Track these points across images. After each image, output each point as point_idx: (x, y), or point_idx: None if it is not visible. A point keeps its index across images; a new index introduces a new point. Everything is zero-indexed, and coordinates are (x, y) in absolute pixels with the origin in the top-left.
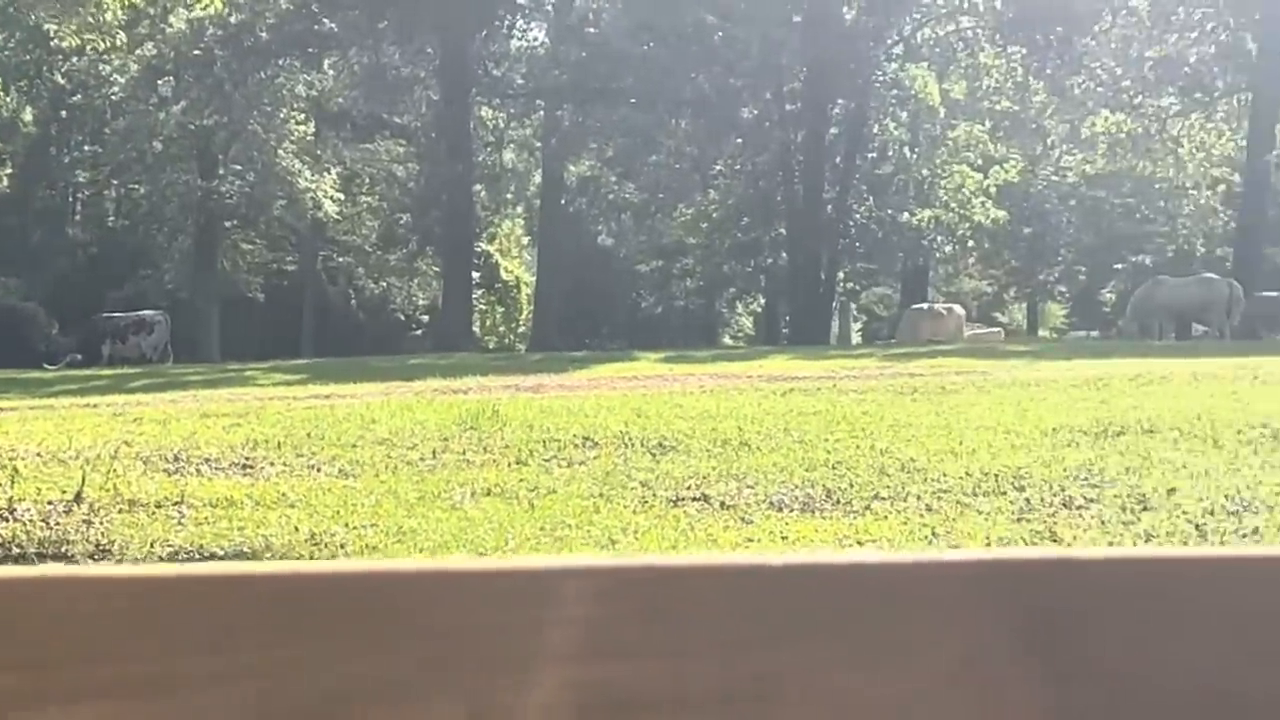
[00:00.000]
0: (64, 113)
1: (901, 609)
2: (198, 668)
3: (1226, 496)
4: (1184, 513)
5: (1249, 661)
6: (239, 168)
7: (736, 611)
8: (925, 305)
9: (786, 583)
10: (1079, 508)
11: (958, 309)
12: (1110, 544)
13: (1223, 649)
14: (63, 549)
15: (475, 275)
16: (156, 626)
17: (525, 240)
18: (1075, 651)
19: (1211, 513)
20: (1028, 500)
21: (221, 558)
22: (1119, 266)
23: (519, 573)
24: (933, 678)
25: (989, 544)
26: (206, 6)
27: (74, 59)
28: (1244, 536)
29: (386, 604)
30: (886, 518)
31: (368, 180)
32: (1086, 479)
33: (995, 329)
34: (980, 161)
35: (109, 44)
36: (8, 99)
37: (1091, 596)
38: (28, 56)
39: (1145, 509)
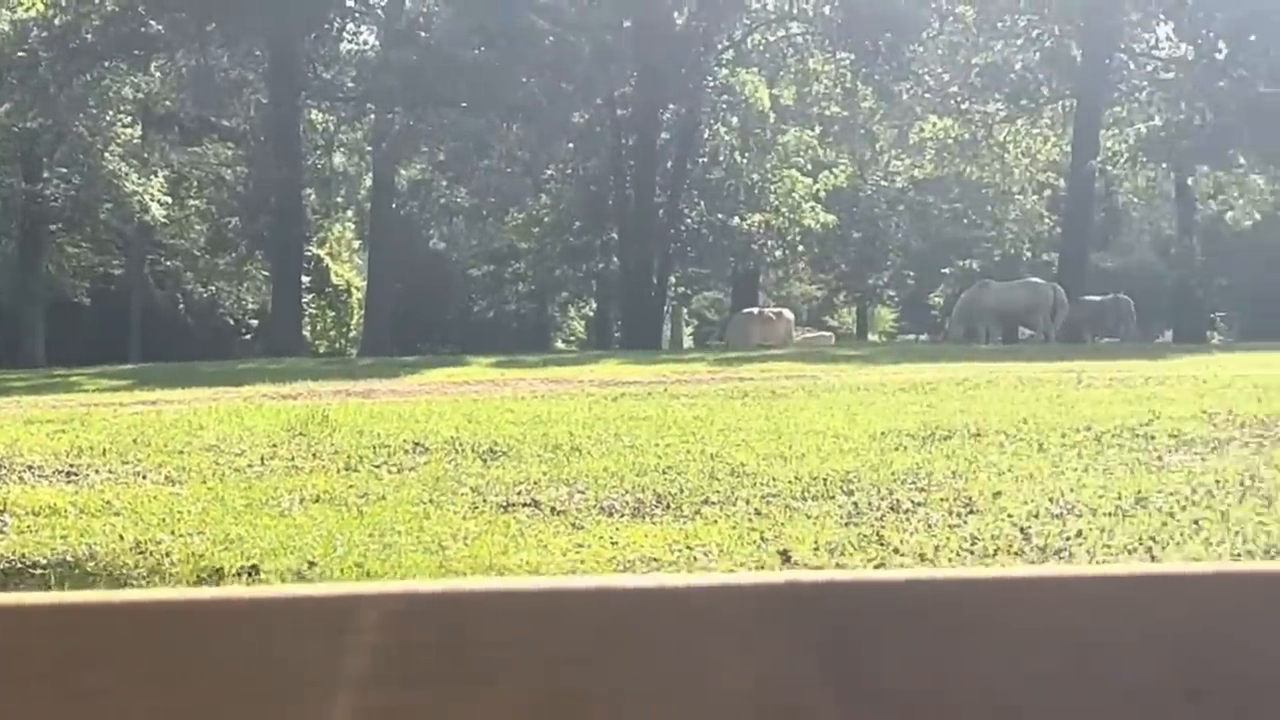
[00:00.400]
0: None
1: (700, 631)
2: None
3: (1051, 499)
4: (1009, 516)
5: (1032, 679)
6: (64, 170)
7: (536, 635)
8: (755, 310)
9: (587, 606)
10: (906, 511)
11: (787, 313)
12: (937, 548)
13: (1008, 667)
14: None
15: (305, 279)
16: None
17: (356, 244)
18: (869, 672)
19: (1036, 515)
20: (856, 504)
21: (45, 567)
22: (947, 271)
23: (316, 600)
24: (731, 699)
25: (817, 548)
26: (29, 8)
27: None
28: (1067, 539)
29: (183, 633)
30: (716, 522)
31: (196, 183)
32: (914, 483)
33: (825, 333)
34: (810, 166)
35: None
36: None
37: (884, 617)
38: None
39: (971, 512)
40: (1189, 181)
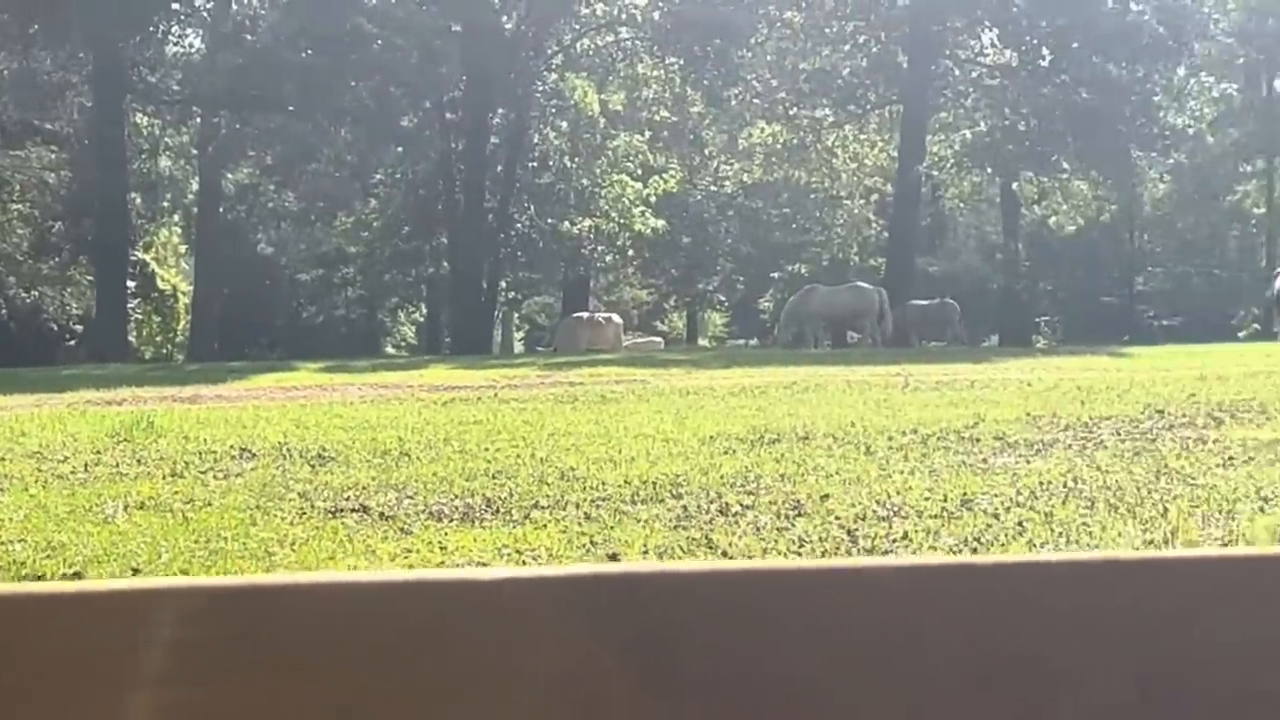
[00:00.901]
0: None
1: (507, 625)
2: None
3: (878, 502)
4: (836, 518)
5: (838, 668)
6: None
7: (337, 630)
8: (583, 314)
9: (390, 600)
10: (735, 514)
11: (616, 318)
12: (765, 550)
13: (810, 655)
14: None
15: (131, 284)
16: None
17: (183, 249)
18: (673, 664)
19: (863, 518)
20: (685, 508)
21: None
22: (776, 275)
23: (114, 595)
24: (537, 692)
25: (646, 552)
26: None
27: None
28: (894, 541)
29: None
30: (546, 526)
31: (18, 188)
32: (743, 486)
33: (654, 338)
34: (640, 171)
35: None
36: None
37: (689, 609)
38: None
39: (800, 515)
40: (1014, 187)
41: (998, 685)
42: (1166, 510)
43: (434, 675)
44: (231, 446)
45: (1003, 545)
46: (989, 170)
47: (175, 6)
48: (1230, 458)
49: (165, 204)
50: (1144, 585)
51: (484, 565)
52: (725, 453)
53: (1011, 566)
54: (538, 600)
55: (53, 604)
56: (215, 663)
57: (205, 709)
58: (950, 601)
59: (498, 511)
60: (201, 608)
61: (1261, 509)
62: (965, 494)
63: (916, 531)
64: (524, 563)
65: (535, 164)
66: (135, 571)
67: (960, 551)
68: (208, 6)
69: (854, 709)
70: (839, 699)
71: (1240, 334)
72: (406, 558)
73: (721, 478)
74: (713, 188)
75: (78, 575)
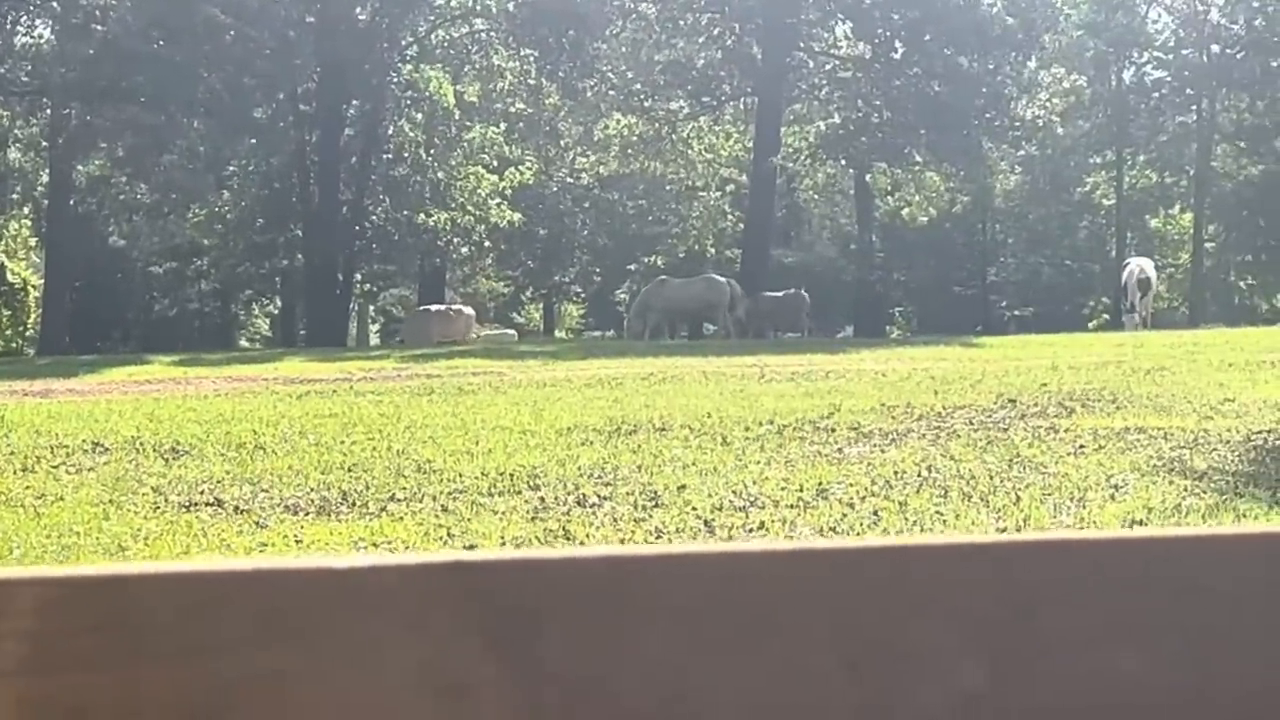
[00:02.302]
0: None
1: (364, 612)
2: None
3: (734, 492)
4: (694, 509)
5: (700, 654)
6: None
7: (193, 619)
8: (432, 307)
9: (246, 588)
10: (593, 505)
11: (466, 309)
12: (622, 540)
13: (672, 640)
14: None
15: None
16: None
17: (33, 241)
18: (535, 651)
19: (720, 508)
20: (542, 499)
21: None
22: (633, 267)
23: None
24: (396, 680)
25: (503, 543)
26: None
27: None
28: (750, 531)
29: None
30: (402, 519)
31: None
32: (600, 477)
33: (507, 330)
34: (496, 163)
35: None
36: None
37: (550, 595)
38: None
39: (657, 505)
40: (867, 179)
41: (861, 667)
42: (1019, 498)
43: (296, 664)
44: (84, 440)
45: (858, 534)
46: (843, 162)
47: None
48: (1081, 446)
49: (15, 196)
50: (999, 568)
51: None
52: (582, 444)
53: (873, 550)
54: (398, 588)
55: None
56: (71, 653)
57: (61, 700)
58: (813, 585)
59: (354, 504)
60: (56, 597)
61: (1112, 497)
62: (821, 483)
63: (773, 521)
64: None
65: (390, 156)
66: None
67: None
68: None
69: (717, 692)
70: (702, 683)
71: (1091, 324)
72: (262, 551)
73: (579, 469)
74: (569, 180)
75: None
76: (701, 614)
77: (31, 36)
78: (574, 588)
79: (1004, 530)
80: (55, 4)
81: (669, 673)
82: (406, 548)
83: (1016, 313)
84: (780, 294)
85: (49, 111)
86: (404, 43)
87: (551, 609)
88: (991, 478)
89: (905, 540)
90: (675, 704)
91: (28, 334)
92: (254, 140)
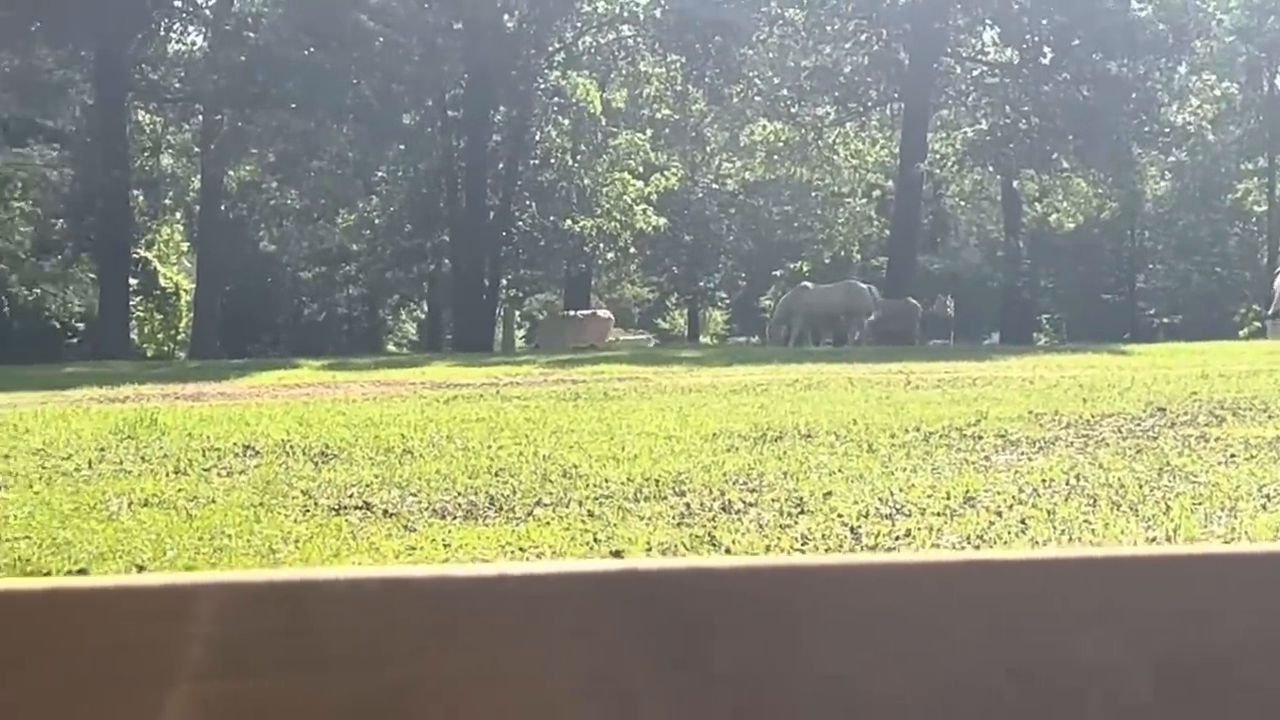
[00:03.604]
0: None
1: (538, 621)
2: None
3: (880, 499)
4: (839, 516)
5: (864, 660)
6: None
7: (374, 625)
8: (568, 312)
9: (422, 595)
10: (738, 512)
11: (602, 313)
12: (768, 548)
13: (840, 650)
14: None
15: (133, 282)
16: None
17: (185, 246)
18: (703, 657)
19: (866, 516)
20: (688, 505)
21: None
22: (778, 273)
23: (157, 590)
24: (566, 686)
25: (650, 549)
26: None
27: None
28: (896, 539)
29: (24, 622)
30: (549, 524)
31: (20, 185)
32: (745, 483)
33: (644, 335)
34: (641, 169)
35: None
36: None
37: (719, 603)
38: None
39: (802, 512)
40: (1015, 185)
41: (1025, 677)
42: (1168, 508)
43: (469, 670)
44: (235, 444)
45: (1005, 542)
46: (990, 168)
47: (177, 4)
48: (1232, 455)
49: (167, 201)
50: (1163, 580)
51: (516, 561)
52: (728, 450)
53: (1038, 562)
54: (569, 594)
55: (97, 597)
56: (252, 657)
57: (242, 703)
58: (979, 596)
59: (500, 509)
60: (238, 602)
61: (1264, 506)
62: (968, 491)
63: (919, 529)
64: (528, 561)
65: (537, 161)
66: (140, 569)
67: (964, 549)
68: (210, 4)
69: (882, 701)
70: (868, 691)
71: (1241, 332)
72: (410, 555)
73: (724, 475)
74: (714, 185)
75: (83, 572)
76: (868, 622)
77: (184, 44)
78: (744, 597)
79: (1153, 540)
80: (208, 12)
81: (837, 681)
82: (553, 552)
83: (1165, 320)
84: (916, 301)
85: (201, 118)
86: (551, 49)
87: (719, 616)
88: (1140, 486)
89: (1069, 552)
90: (843, 712)
91: (179, 338)
92: (402, 146)
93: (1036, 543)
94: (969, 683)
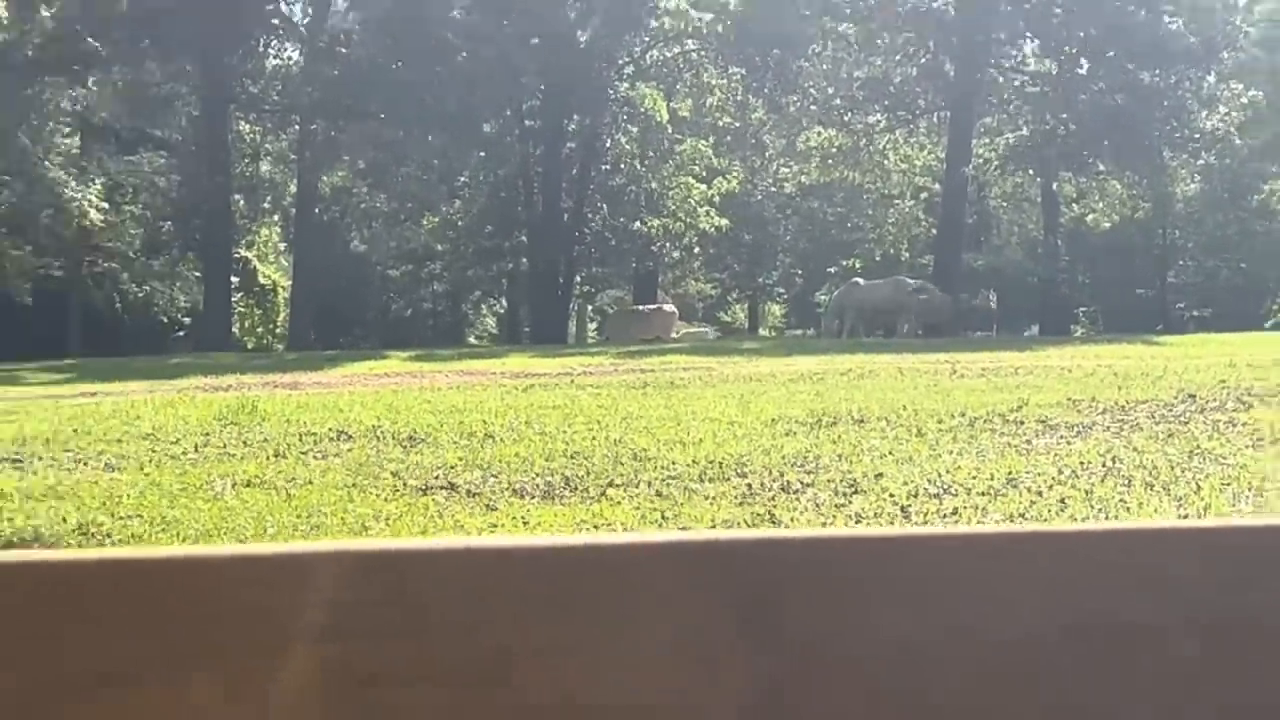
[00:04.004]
0: None
1: (627, 588)
2: None
3: (929, 480)
4: (890, 495)
5: (925, 624)
6: (7, 179)
7: (477, 592)
8: (635, 307)
9: (524, 565)
10: (795, 492)
11: (667, 307)
12: (824, 524)
13: (902, 615)
14: None
15: (234, 279)
16: None
17: (282, 246)
18: (782, 624)
19: (915, 495)
20: (749, 485)
21: None
22: (832, 270)
23: (275, 557)
24: (654, 653)
25: (714, 525)
26: None
27: None
28: (944, 517)
29: (151, 588)
30: (620, 503)
31: (131, 190)
32: (803, 465)
33: (705, 328)
34: (704, 173)
35: None
36: None
37: (796, 572)
38: None
39: (856, 492)
40: (1054, 187)
41: (1082, 638)
42: (1199, 488)
43: (557, 634)
44: (329, 429)
45: (1046, 520)
46: (1030, 171)
47: (275, 22)
48: (1259, 439)
49: (266, 205)
50: (1207, 550)
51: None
52: (786, 434)
53: (1093, 534)
54: (653, 564)
55: (222, 565)
56: (365, 623)
57: (356, 666)
58: (1038, 565)
59: (575, 489)
60: (353, 570)
61: None
62: (1010, 473)
63: (965, 508)
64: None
65: (608, 167)
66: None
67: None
68: (305, 22)
69: (947, 663)
70: (933, 655)
71: (1267, 324)
72: (492, 532)
73: (783, 457)
74: (772, 188)
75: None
76: (931, 590)
77: (282, 59)
78: (818, 564)
79: (1211, 514)
80: (303, 29)
81: (899, 644)
82: (625, 530)
83: (1195, 313)
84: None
85: (297, 127)
86: (621, 62)
87: (797, 584)
88: (1172, 468)
89: (1121, 524)
90: (907, 675)
91: (277, 331)
92: (483, 153)
93: (1075, 520)
94: (1028, 643)
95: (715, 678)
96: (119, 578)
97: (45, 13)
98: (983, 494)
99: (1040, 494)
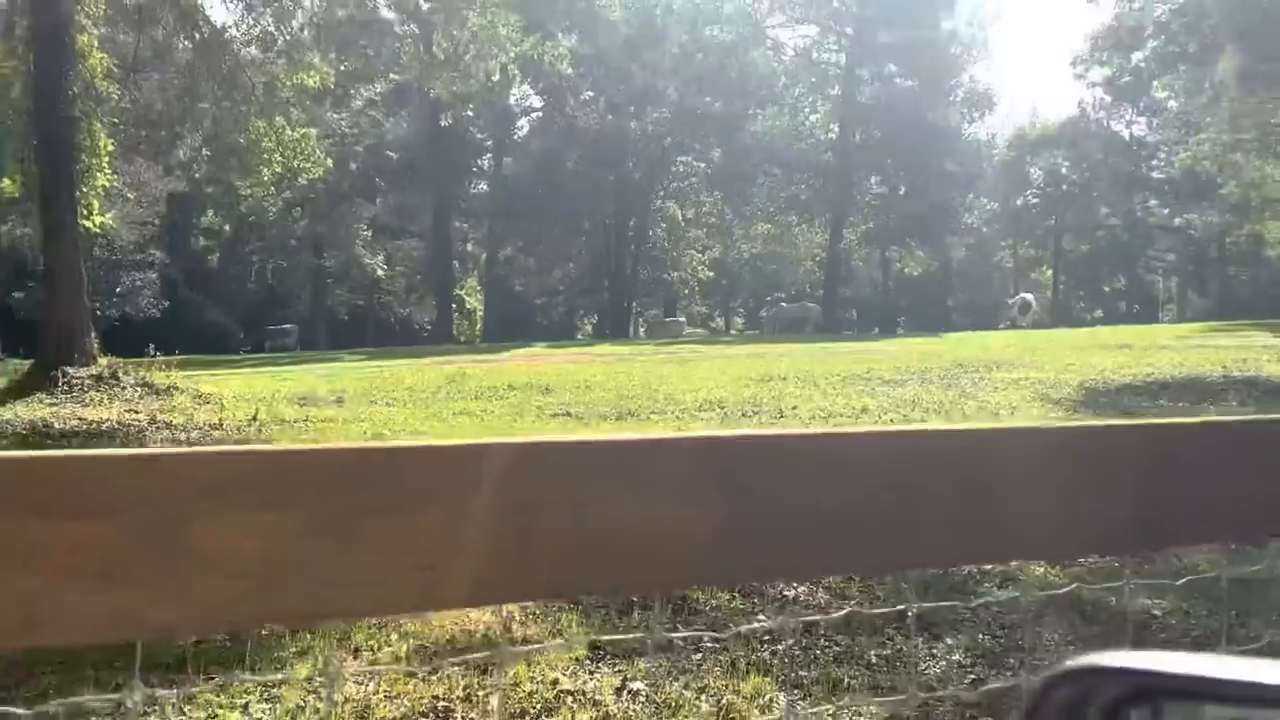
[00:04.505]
0: None
1: (649, 464)
2: None
3: (820, 409)
4: (799, 416)
5: (826, 488)
6: (337, 252)
7: (570, 468)
8: (666, 319)
9: (595, 450)
10: (751, 415)
11: (681, 319)
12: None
13: (811, 480)
14: None
15: (453, 305)
16: None
17: (477, 287)
18: (741, 483)
19: (814, 416)
20: (726, 413)
21: None
22: (769, 298)
23: (456, 448)
24: (662, 499)
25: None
26: None
27: None
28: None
29: (373, 474)
30: (659, 422)
31: (391, 253)
32: (754, 403)
33: (701, 330)
34: (701, 249)
35: None
36: None
37: (749, 453)
38: None
39: (783, 415)
40: (885, 254)
41: (890, 491)
42: (965, 413)
43: (613, 490)
44: (504, 385)
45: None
46: (874, 245)
47: (473, 170)
48: (998, 388)
49: (469, 265)
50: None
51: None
52: (745, 386)
53: (903, 433)
54: (670, 450)
55: (418, 454)
56: (528, 495)
57: (529, 527)
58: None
59: (633, 415)
60: (521, 458)
61: None
62: (865, 406)
63: (844, 423)
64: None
65: (650, 245)
66: None
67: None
68: (490, 169)
69: (839, 508)
70: (843, 515)
71: (1001, 325)
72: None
73: (743, 399)
74: (737, 256)
75: None
76: (838, 469)
77: (476, 190)
78: (764, 449)
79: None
80: (489, 172)
81: (810, 496)
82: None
83: (969, 319)
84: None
85: (487, 223)
86: (658, 190)
87: (750, 461)
88: (948, 403)
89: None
90: (817, 518)
91: (478, 330)
92: (584, 238)
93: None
94: (928, 510)
95: (700, 511)
96: (350, 463)
97: (353, 165)
98: (850, 416)
99: (878, 418)
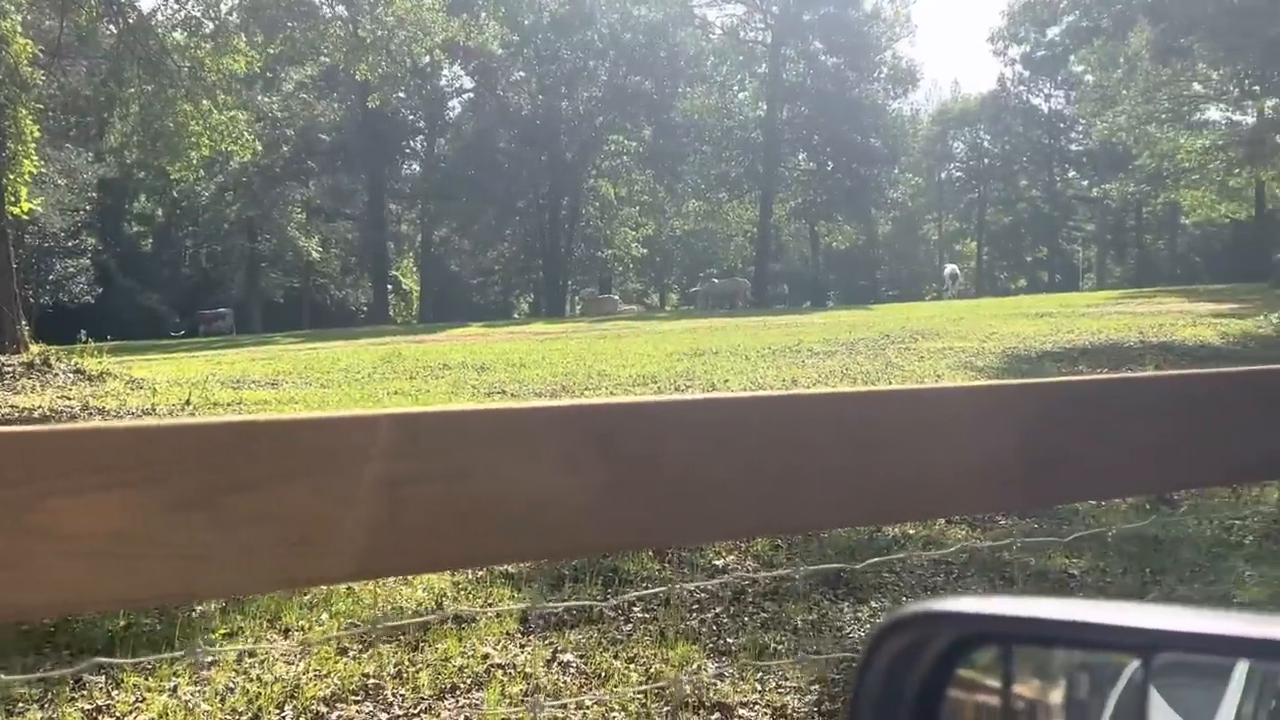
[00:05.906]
0: None
1: (532, 432)
2: None
3: (751, 381)
4: (731, 389)
5: (726, 458)
6: (269, 238)
7: (467, 436)
8: (601, 296)
9: (481, 419)
10: (685, 389)
11: (615, 296)
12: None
13: (691, 443)
14: None
15: (389, 286)
16: None
17: (412, 267)
18: (620, 447)
19: (746, 389)
20: (659, 387)
21: None
22: (701, 274)
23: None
24: (543, 466)
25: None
26: None
27: None
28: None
29: (276, 444)
30: (592, 398)
31: (327, 237)
32: (687, 376)
33: (635, 306)
34: (634, 226)
35: None
36: None
37: (627, 421)
38: None
39: (715, 389)
40: (814, 229)
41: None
42: (891, 381)
43: (502, 459)
44: (439, 364)
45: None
46: (804, 220)
47: (408, 151)
48: (922, 357)
49: (405, 246)
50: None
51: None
52: (678, 360)
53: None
54: (553, 418)
55: (333, 424)
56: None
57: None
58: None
59: (568, 391)
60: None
61: None
62: (794, 378)
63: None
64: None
65: (583, 224)
66: None
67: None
68: (423, 148)
69: (748, 489)
70: (718, 477)
71: (927, 298)
72: None
73: (677, 373)
74: (670, 233)
75: None
76: (716, 429)
77: (409, 170)
78: (640, 418)
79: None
80: (421, 153)
81: (689, 459)
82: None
83: (893, 292)
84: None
85: (420, 205)
86: (591, 169)
87: (627, 427)
88: (875, 371)
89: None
90: (690, 479)
91: (413, 311)
92: (518, 218)
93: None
94: (809, 470)
95: (581, 478)
96: (223, 438)
97: (285, 148)
98: (781, 388)
99: (809, 387)
